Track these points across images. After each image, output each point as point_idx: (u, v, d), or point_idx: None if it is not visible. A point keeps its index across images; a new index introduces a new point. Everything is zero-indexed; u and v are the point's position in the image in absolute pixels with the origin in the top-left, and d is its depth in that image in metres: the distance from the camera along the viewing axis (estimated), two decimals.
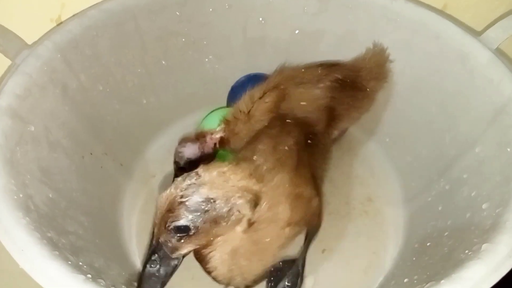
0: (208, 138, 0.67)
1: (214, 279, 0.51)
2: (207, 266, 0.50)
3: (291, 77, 0.66)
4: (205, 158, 0.67)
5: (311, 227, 0.62)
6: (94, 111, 0.67)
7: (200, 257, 0.50)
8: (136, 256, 0.66)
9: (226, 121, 0.66)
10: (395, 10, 0.68)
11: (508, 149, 0.53)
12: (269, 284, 0.62)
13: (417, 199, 0.69)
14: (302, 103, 0.64)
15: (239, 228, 0.48)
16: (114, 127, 0.71)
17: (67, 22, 0.64)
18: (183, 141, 0.68)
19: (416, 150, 0.71)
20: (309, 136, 0.60)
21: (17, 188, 0.47)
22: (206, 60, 0.79)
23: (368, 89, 0.69)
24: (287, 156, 0.55)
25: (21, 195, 0.46)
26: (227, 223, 0.46)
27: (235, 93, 0.79)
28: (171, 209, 0.44)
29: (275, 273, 0.64)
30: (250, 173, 0.48)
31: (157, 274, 0.47)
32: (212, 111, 0.75)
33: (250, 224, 0.48)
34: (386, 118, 0.75)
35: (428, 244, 0.58)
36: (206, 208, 0.44)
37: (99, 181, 0.66)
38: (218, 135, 0.67)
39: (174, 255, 0.47)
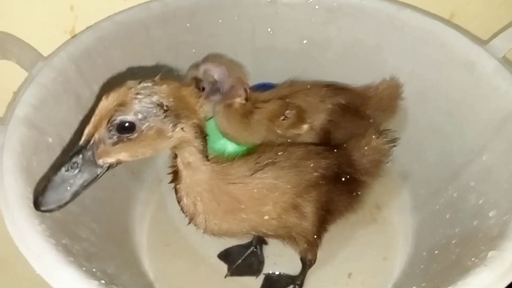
0: (242, 84, 0.65)
1: (182, 210, 0.51)
2: (176, 196, 0.50)
3: (297, 92, 0.66)
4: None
5: (301, 255, 0.62)
6: None
7: (175, 188, 0.50)
8: (147, 264, 0.67)
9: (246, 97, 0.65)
10: (402, 18, 0.69)
11: None
12: None
13: (425, 206, 0.69)
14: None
15: (191, 158, 0.46)
16: None
17: (81, 34, 0.66)
18: (216, 60, 0.65)
19: (424, 157, 0.71)
20: (346, 176, 0.59)
21: (33, 195, 0.48)
22: None
23: (371, 120, 0.68)
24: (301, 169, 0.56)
25: None
26: (169, 138, 0.43)
27: None
28: (122, 103, 0.41)
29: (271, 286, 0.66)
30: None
31: (71, 181, 0.41)
32: None
33: (207, 158, 0.48)
34: (394, 126, 0.75)
35: (436, 252, 0.59)
36: (157, 113, 0.41)
37: (111, 188, 0.67)
38: (244, 96, 0.65)
39: (100, 161, 0.41)
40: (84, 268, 0.42)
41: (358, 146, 0.62)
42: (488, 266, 0.42)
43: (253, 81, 0.82)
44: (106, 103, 0.42)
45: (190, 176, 0.48)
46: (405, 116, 0.72)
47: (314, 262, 0.63)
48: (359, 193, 0.61)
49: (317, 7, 0.73)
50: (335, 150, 0.60)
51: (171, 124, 0.43)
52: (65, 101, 0.61)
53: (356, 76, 0.74)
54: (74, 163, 0.41)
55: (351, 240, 0.70)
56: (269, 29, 0.77)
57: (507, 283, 0.41)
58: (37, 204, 0.41)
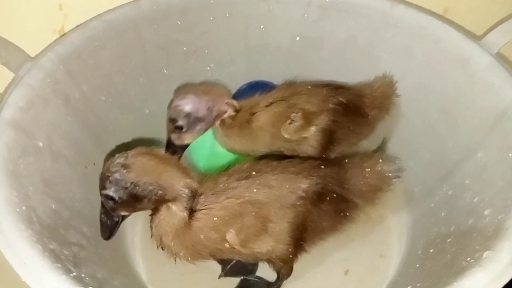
0: (221, 100, 0.64)
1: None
2: (150, 224, 0.55)
3: (298, 93, 0.65)
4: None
5: (275, 270, 0.61)
6: (96, 121, 0.67)
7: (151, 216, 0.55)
8: (140, 266, 0.66)
9: (234, 107, 0.65)
10: (395, 15, 0.68)
11: (510, 155, 0.53)
12: None
13: (420, 204, 0.69)
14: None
15: (175, 208, 0.52)
16: (116, 137, 0.71)
17: (69, 33, 0.65)
18: (183, 92, 0.64)
19: (418, 155, 0.71)
20: (332, 195, 0.56)
21: (19, 200, 0.47)
22: (208, 68, 0.79)
23: (370, 116, 0.68)
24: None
25: (23, 207, 0.47)
26: (149, 201, 0.50)
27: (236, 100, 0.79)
28: (102, 179, 0.50)
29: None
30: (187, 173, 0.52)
31: (106, 224, 0.54)
32: None
33: (190, 210, 0.52)
34: (388, 123, 0.75)
35: (431, 250, 0.58)
36: (126, 186, 0.49)
37: None
38: (231, 108, 0.64)
39: (113, 214, 0.53)
40: (71, 274, 0.42)
41: (360, 166, 0.59)
42: (483, 266, 0.42)
43: (246, 79, 0.81)
44: (101, 173, 0.51)
45: (165, 215, 0.52)
46: (399, 113, 0.72)
47: (288, 276, 0.62)
48: (347, 214, 0.59)
49: (309, 4, 0.73)
50: (323, 167, 0.57)
51: (146, 192, 0.50)
52: (54, 102, 0.60)
53: (349, 73, 0.73)
54: (102, 213, 0.54)
55: (347, 238, 0.70)
56: (261, 26, 0.76)
57: (502, 284, 0.41)
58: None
